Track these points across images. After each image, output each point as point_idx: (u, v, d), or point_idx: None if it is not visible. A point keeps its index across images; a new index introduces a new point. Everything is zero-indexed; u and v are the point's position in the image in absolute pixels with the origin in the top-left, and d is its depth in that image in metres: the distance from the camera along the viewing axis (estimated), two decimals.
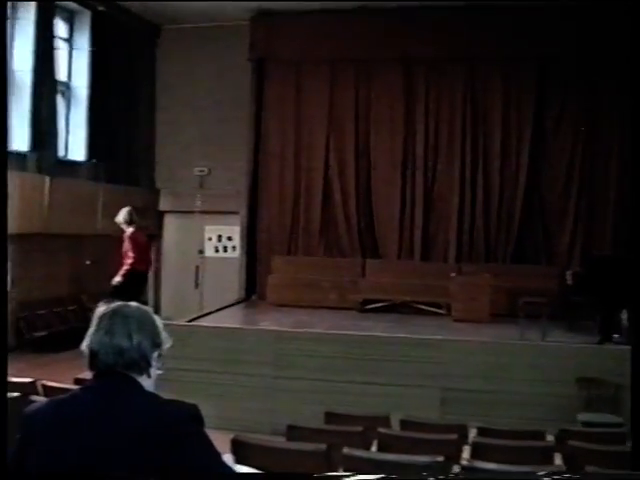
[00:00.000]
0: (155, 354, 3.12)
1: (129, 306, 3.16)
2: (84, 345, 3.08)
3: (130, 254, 13.71)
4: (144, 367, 3.06)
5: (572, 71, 17.53)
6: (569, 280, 14.59)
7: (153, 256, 20.75)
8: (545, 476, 2.66)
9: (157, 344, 3.13)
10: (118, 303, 3.17)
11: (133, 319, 3.08)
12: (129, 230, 13.94)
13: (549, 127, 18.00)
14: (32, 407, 3.11)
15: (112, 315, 3.08)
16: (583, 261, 16.49)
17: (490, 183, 18.21)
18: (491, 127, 18.27)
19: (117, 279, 13.68)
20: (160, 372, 3.19)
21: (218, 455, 3.01)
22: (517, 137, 18.11)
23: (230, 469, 3.10)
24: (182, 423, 2.91)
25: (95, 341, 3.04)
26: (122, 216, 13.98)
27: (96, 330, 3.07)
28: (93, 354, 3.04)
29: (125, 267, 13.74)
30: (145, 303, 3.31)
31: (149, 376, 3.10)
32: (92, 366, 3.06)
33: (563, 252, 17.70)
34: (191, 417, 2.95)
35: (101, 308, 3.14)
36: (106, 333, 3.03)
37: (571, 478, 2.63)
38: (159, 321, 3.21)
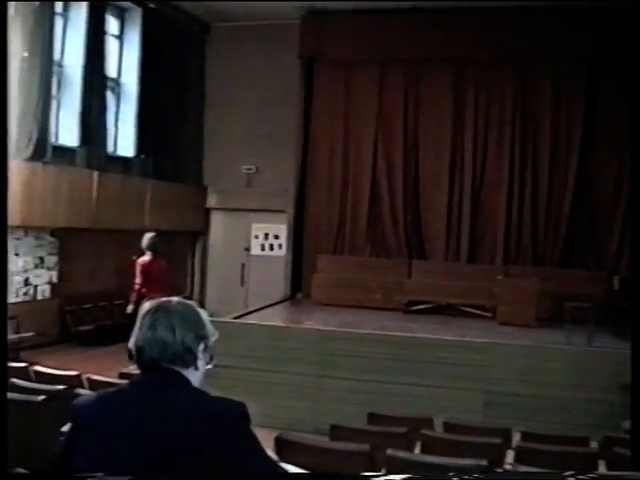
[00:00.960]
0: (201, 347, 3.12)
1: (172, 301, 3.17)
2: (130, 343, 3.10)
3: (136, 280, 13.50)
4: (190, 360, 3.07)
5: (622, 71, 17.32)
6: (616, 285, 14.45)
7: (199, 253, 20.91)
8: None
9: (202, 337, 3.13)
10: (162, 299, 3.18)
11: (176, 313, 3.09)
12: (145, 256, 13.74)
13: (599, 129, 17.85)
14: (80, 400, 3.13)
15: (155, 311, 3.10)
16: (631, 266, 16.34)
17: (538, 185, 18.11)
18: (540, 128, 18.17)
19: (130, 307, 13.39)
20: (210, 366, 3.20)
21: (265, 453, 3.01)
22: (566, 138, 17.99)
23: (277, 467, 3.10)
24: (230, 420, 2.91)
25: (140, 337, 3.07)
26: (144, 241, 13.86)
27: (140, 327, 3.10)
28: (139, 350, 3.06)
29: (133, 293, 13.58)
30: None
31: (196, 369, 3.11)
32: (139, 362, 3.08)
33: (611, 257, 17.54)
34: (239, 415, 2.95)
35: (146, 305, 3.16)
36: (149, 328, 3.05)
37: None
38: (204, 314, 3.21)
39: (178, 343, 3.04)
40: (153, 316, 3.08)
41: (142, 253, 13.75)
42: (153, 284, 13.15)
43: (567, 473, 2.66)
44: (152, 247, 13.68)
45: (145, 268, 13.52)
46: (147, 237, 13.92)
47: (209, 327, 3.19)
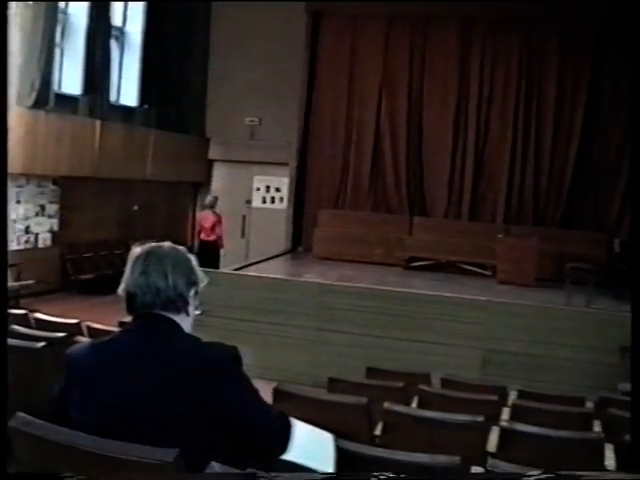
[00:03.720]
0: (192, 292, 3.13)
1: (162, 247, 3.16)
2: (121, 289, 3.10)
3: (197, 229, 17.81)
4: (181, 306, 3.08)
5: (631, 35, 17.19)
6: (617, 248, 14.46)
7: (200, 204, 21.00)
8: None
9: (193, 282, 3.14)
10: (152, 244, 3.17)
11: (167, 259, 3.08)
12: (204, 211, 17.82)
13: (604, 93, 17.78)
14: (74, 349, 3.13)
15: (146, 256, 3.08)
16: (632, 229, 16.35)
17: (542, 146, 18.08)
18: (545, 89, 18.11)
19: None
20: (198, 312, 3.21)
21: (258, 395, 3.03)
22: (571, 101, 17.94)
23: (269, 408, 3.11)
24: (223, 364, 2.92)
25: (131, 283, 3.06)
26: (205, 200, 18.16)
27: (131, 272, 3.08)
28: (131, 296, 3.06)
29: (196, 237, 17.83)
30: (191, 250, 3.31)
31: (187, 314, 3.12)
32: (130, 309, 3.08)
33: (612, 219, 17.55)
34: (231, 358, 2.97)
35: (136, 250, 3.14)
36: (141, 274, 3.04)
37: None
38: (194, 260, 3.22)
39: (171, 288, 3.03)
40: (145, 261, 3.06)
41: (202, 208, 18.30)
42: (205, 231, 17.16)
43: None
44: (208, 206, 17.54)
45: (200, 220, 17.70)
46: (207, 198, 18.02)
47: (199, 272, 3.20)
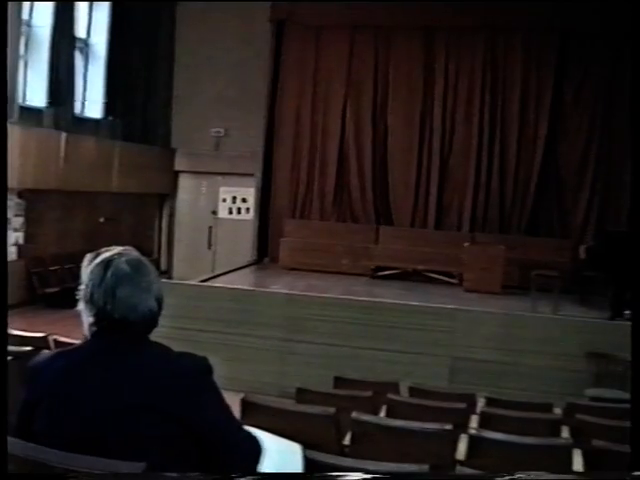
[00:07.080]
0: (158, 304, 3.03)
1: (129, 254, 3.05)
2: (85, 299, 2.96)
3: None
4: (149, 318, 2.98)
5: (594, 43, 17.35)
6: (582, 254, 14.54)
7: (166, 216, 20.96)
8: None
9: (159, 296, 3.04)
10: (111, 253, 3.06)
11: (135, 270, 2.98)
12: None
13: (568, 99, 17.89)
14: (37, 360, 3.05)
15: (105, 266, 2.99)
16: (596, 236, 16.45)
17: (507, 154, 18.16)
18: (510, 97, 18.19)
19: None
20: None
21: (229, 409, 3.01)
22: (535, 108, 18.02)
23: (239, 425, 3.10)
24: (195, 374, 2.91)
25: (100, 296, 2.93)
26: None
27: (99, 284, 2.95)
28: (100, 309, 2.92)
29: None
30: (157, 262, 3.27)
31: (156, 325, 3.01)
32: (100, 321, 2.93)
33: (577, 226, 17.65)
34: (203, 368, 2.95)
35: (97, 259, 3.05)
36: (112, 287, 2.92)
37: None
38: (156, 273, 3.11)
39: (143, 302, 2.96)
40: (112, 273, 2.95)
41: None
42: None
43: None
44: None
45: None
46: None
47: (161, 286, 3.12)
